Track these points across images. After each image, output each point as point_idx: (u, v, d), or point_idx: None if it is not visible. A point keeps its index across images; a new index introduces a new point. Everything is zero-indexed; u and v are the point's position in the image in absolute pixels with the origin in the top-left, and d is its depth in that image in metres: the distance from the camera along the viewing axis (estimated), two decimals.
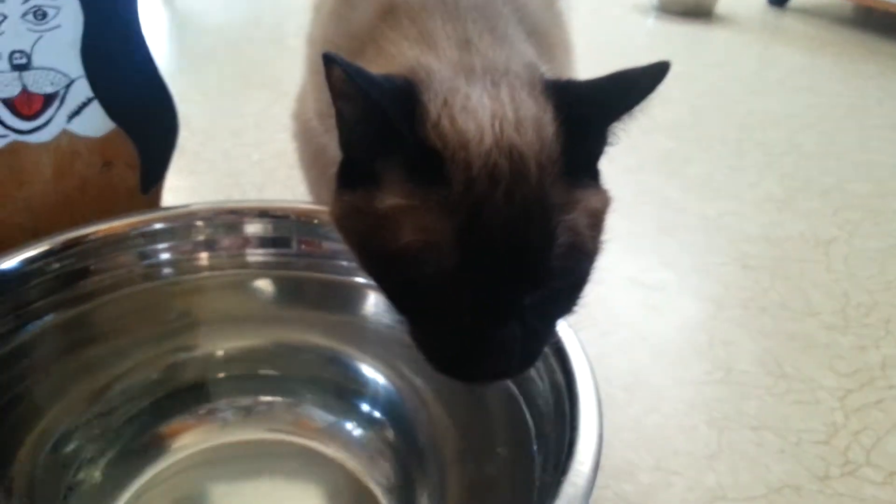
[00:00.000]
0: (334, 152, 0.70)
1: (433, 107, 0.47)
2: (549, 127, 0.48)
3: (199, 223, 0.73)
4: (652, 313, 1.00)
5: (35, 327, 0.65)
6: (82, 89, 0.74)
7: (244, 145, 1.39)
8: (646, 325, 0.98)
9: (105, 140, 0.77)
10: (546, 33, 0.64)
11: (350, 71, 0.45)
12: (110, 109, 0.76)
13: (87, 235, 0.68)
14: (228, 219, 0.74)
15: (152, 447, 0.68)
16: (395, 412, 0.71)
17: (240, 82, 1.73)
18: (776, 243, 1.18)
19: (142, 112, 0.79)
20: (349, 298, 0.75)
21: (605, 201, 0.52)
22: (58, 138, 0.74)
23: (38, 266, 0.66)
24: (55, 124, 0.73)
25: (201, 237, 0.73)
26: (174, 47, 1.88)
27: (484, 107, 0.48)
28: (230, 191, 1.22)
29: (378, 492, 0.66)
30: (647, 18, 2.54)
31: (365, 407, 0.72)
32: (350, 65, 0.45)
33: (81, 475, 0.64)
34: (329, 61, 0.45)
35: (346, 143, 0.51)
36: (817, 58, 2.22)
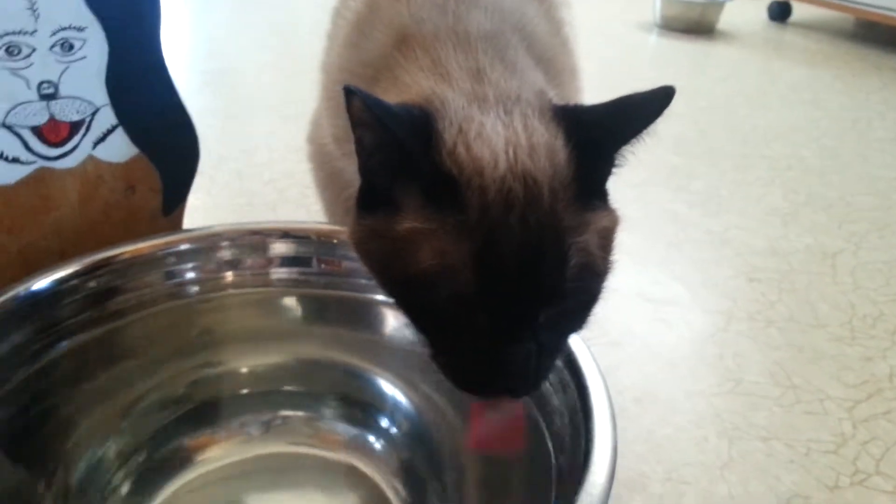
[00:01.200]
0: (351, 175, 0.72)
1: (448, 135, 0.49)
2: (561, 153, 0.50)
3: (224, 243, 0.75)
4: (661, 326, 1.02)
5: (66, 345, 0.67)
6: (107, 117, 0.76)
7: (256, 165, 1.41)
8: (656, 339, 0.99)
9: (129, 165, 0.79)
10: (553, 60, 0.66)
11: (369, 102, 0.46)
12: (134, 136, 0.78)
13: (116, 256, 0.71)
14: (252, 239, 0.76)
15: (179, 461, 0.69)
16: (414, 426, 0.72)
17: (249, 104, 1.76)
18: (783, 256, 1.20)
19: (164, 138, 0.81)
20: (368, 316, 0.76)
21: (614, 221, 0.53)
22: (83, 164, 0.76)
23: (69, 286, 0.68)
24: (81, 151, 0.75)
25: (226, 257, 0.75)
26: (184, 71, 1.91)
27: (498, 134, 0.49)
28: (244, 210, 1.24)
29: (397, 503, 0.67)
30: (649, 35, 2.57)
31: (384, 421, 0.74)
32: (369, 96, 0.47)
33: (111, 488, 0.65)
34: (349, 93, 0.47)
35: (365, 169, 0.53)
36: (819, 72, 2.25)
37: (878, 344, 1.00)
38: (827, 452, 0.81)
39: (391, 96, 0.53)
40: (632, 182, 1.38)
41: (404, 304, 0.52)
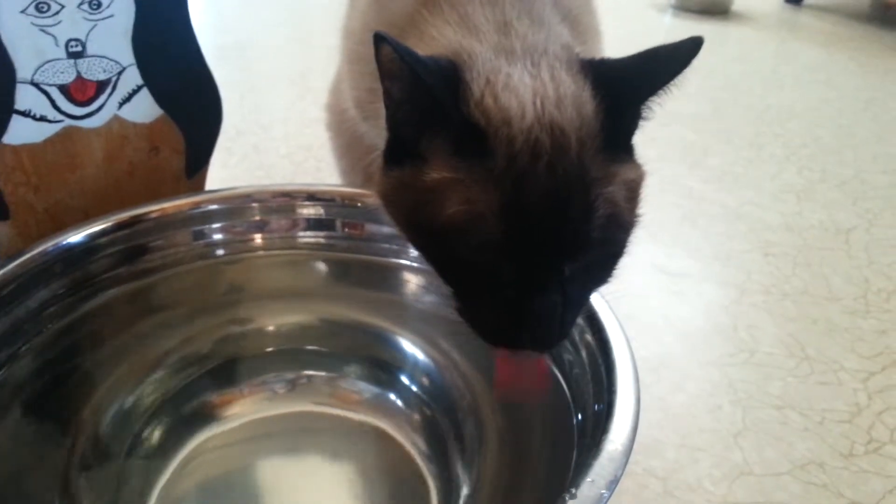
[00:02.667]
0: (372, 140, 0.73)
1: (476, 86, 0.49)
2: (588, 104, 0.50)
3: (252, 205, 0.76)
4: (676, 299, 1.02)
5: (95, 301, 0.68)
6: (133, 77, 0.76)
7: (273, 139, 1.42)
8: (671, 310, 1.00)
9: (153, 126, 0.79)
10: (578, 18, 0.66)
11: (399, 50, 0.46)
12: (159, 96, 0.78)
13: (145, 214, 0.72)
14: (278, 202, 0.77)
15: (204, 417, 0.70)
16: (434, 384, 0.73)
17: (264, 79, 1.76)
18: (797, 232, 1.20)
19: (188, 99, 0.81)
20: (390, 278, 0.77)
21: (640, 175, 0.54)
22: (109, 124, 0.76)
23: (98, 243, 0.69)
24: (107, 110, 0.76)
25: (253, 218, 0.76)
26: (201, 44, 1.93)
27: (525, 85, 0.50)
28: (261, 183, 1.25)
29: (418, 459, 0.68)
30: (664, 16, 2.56)
31: (405, 380, 0.75)
32: (399, 44, 0.47)
33: (137, 441, 0.67)
34: (380, 40, 0.47)
35: (393, 121, 0.53)
36: (834, 53, 2.23)
37: (892, 317, 1.00)
38: (841, 422, 0.82)
39: (418, 51, 0.53)
40: (647, 158, 1.36)
41: (431, 256, 0.53)
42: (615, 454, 0.47)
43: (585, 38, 0.66)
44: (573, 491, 0.43)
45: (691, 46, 0.50)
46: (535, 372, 0.56)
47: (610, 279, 0.54)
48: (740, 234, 1.19)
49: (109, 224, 0.70)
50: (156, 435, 0.68)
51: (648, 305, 1.00)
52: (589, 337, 0.60)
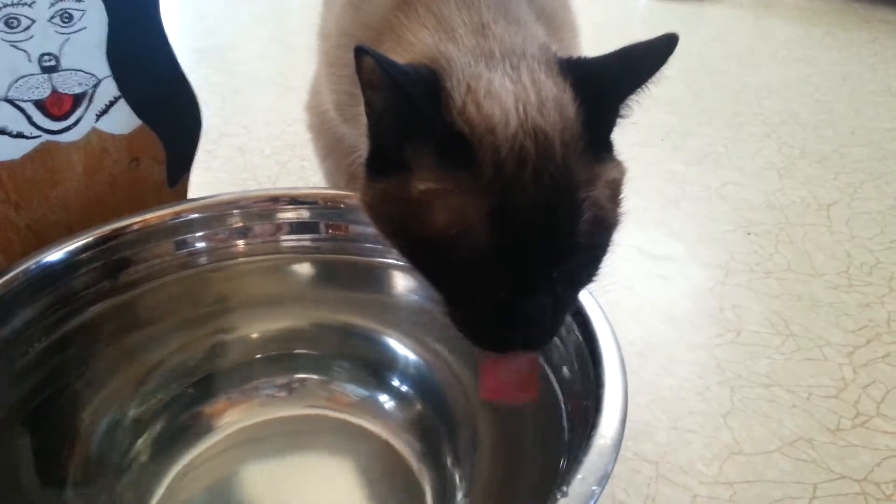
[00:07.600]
0: (353, 141, 0.73)
1: (457, 94, 0.49)
2: (570, 106, 0.50)
3: (233, 212, 0.76)
4: (662, 282, 1.03)
5: (80, 317, 0.68)
6: (109, 89, 0.76)
7: (256, 140, 1.41)
8: (657, 294, 1.01)
9: (132, 137, 0.79)
10: (553, 15, 0.66)
11: (381, 61, 0.46)
12: (136, 107, 0.78)
13: (126, 227, 0.71)
14: (260, 207, 0.76)
15: (197, 427, 0.71)
16: (425, 384, 0.73)
17: (246, 80, 1.75)
18: (779, 209, 1.22)
19: (166, 109, 0.80)
20: (376, 278, 0.77)
21: (621, 172, 0.54)
22: (87, 137, 0.76)
23: (80, 258, 0.68)
24: (84, 123, 0.75)
25: (235, 225, 0.76)
26: (177, 50, 1.92)
27: (506, 91, 0.49)
28: (247, 185, 1.25)
29: (412, 459, 0.69)
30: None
31: (395, 381, 0.75)
32: (381, 55, 0.46)
33: (131, 455, 0.67)
34: (361, 52, 0.46)
35: (375, 131, 0.52)
36: (810, 28, 2.24)
37: (875, 290, 1.01)
38: (828, 397, 0.83)
39: (396, 56, 0.53)
40: (628, 143, 1.36)
41: (419, 263, 0.52)
42: (605, 449, 0.47)
43: (562, 35, 0.66)
44: (564, 489, 0.44)
45: (667, 43, 0.50)
46: (522, 377, 0.56)
47: (596, 277, 0.54)
48: (723, 215, 1.20)
49: (91, 239, 0.69)
50: (150, 447, 0.68)
51: (634, 290, 1.01)
52: (575, 331, 0.60)
